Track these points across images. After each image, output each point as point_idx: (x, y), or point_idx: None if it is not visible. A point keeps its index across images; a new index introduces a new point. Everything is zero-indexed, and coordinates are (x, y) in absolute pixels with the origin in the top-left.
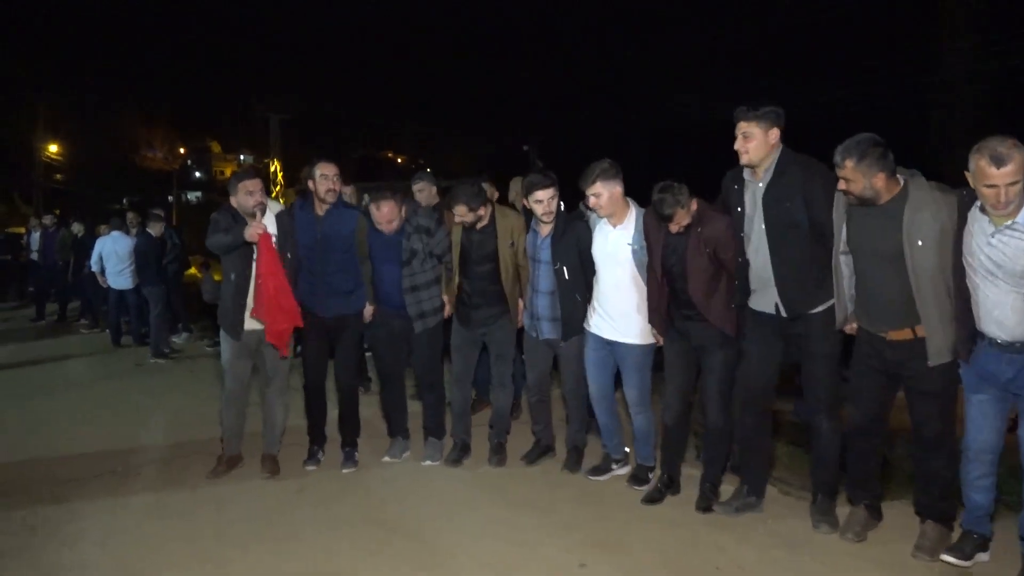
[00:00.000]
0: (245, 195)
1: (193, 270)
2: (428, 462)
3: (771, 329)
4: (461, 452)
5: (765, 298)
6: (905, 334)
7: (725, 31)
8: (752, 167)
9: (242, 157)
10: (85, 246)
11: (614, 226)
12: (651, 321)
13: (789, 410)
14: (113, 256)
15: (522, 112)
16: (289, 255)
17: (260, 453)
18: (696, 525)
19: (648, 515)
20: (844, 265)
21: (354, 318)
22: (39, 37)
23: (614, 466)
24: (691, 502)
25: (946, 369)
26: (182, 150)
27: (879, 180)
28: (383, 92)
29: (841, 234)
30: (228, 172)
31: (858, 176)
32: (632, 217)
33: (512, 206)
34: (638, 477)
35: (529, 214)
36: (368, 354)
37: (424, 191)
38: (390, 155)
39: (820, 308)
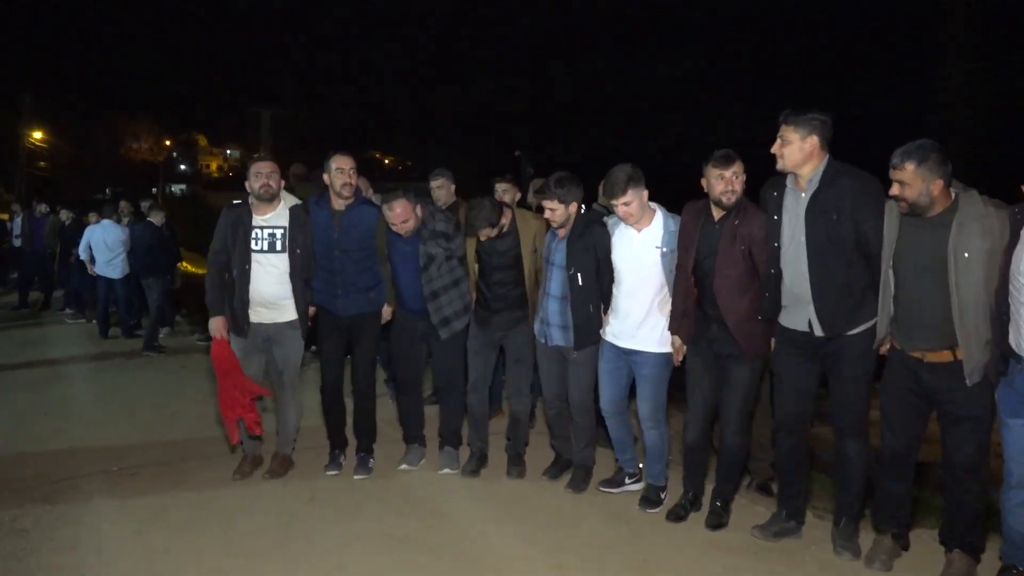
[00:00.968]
0: (254, 176)
1: (186, 265)
2: (446, 470)
3: (803, 348)
4: (479, 462)
5: (798, 315)
6: (944, 356)
7: (724, 46)
8: (793, 175)
9: (228, 152)
10: (72, 234)
11: (639, 230)
12: (672, 328)
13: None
14: (102, 245)
15: (514, 118)
16: (299, 251)
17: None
18: (738, 551)
19: (683, 538)
20: (891, 281)
21: (372, 318)
22: (25, 26)
23: (627, 480)
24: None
25: (983, 393)
26: (168, 142)
27: (936, 187)
28: (375, 94)
29: (891, 249)
30: (214, 166)
31: (917, 180)
32: (659, 220)
33: (529, 207)
34: (649, 499)
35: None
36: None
37: (443, 188)
38: (378, 155)
39: (858, 329)
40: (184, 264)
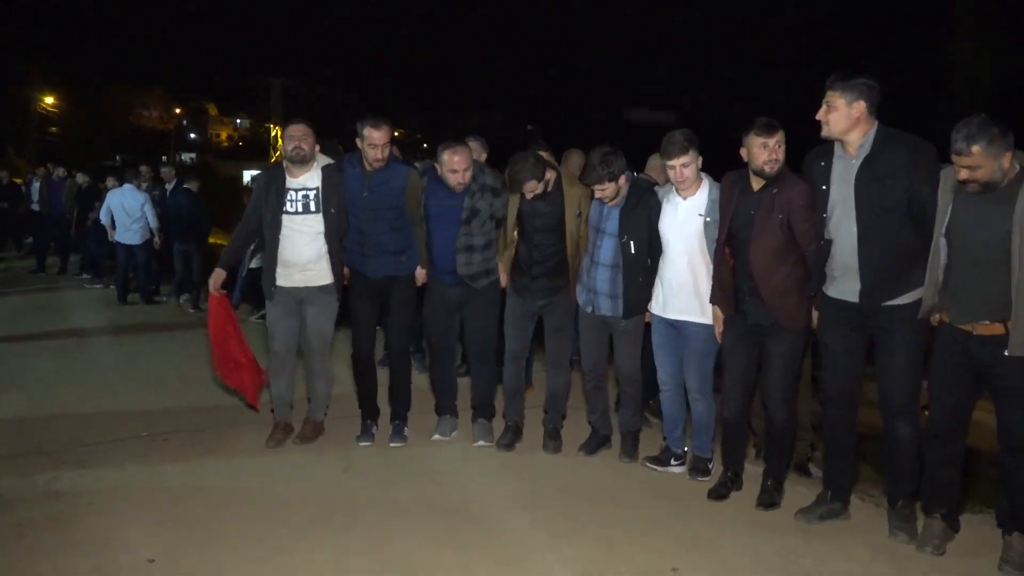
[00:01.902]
0: (287, 139)
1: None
2: (481, 442)
3: (851, 319)
4: (514, 436)
5: (847, 285)
6: (996, 329)
7: (737, 24)
8: (839, 141)
9: (239, 121)
10: (88, 198)
11: (684, 198)
12: (712, 299)
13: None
14: (121, 210)
15: (526, 90)
16: (333, 210)
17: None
18: (788, 531)
19: (730, 516)
20: (942, 250)
21: (404, 281)
22: None
23: (673, 461)
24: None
25: None
26: (178, 111)
27: (1007, 160)
28: (388, 65)
29: (945, 218)
30: (223, 135)
31: (988, 160)
32: (705, 188)
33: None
34: (699, 469)
35: None
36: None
37: (474, 153)
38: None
39: (906, 299)
40: None
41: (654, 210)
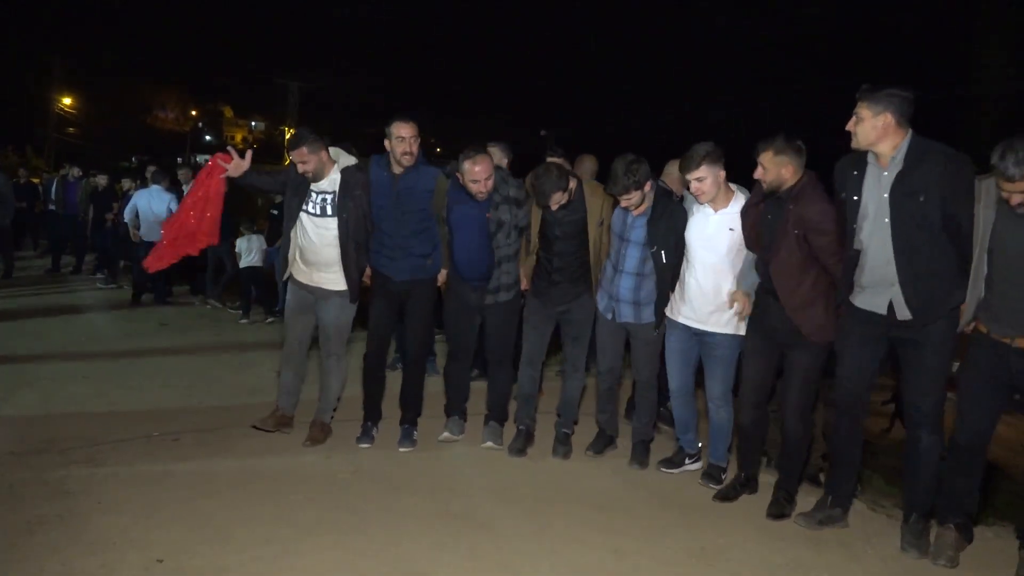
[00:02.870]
0: (298, 164)
1: None
2: (489, 443)
3: (875, 330)
4: (526, 440)
5: (878, 297)
6: None
7: (759, 29)
8: (872, 152)
9: (253, 124)
10: (106, 199)
11: (715, 210)
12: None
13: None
14: (148, 210)
15: (541, 96)
16: (346, 215)
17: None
18: (797, 541)
19: (739, 525)
20: (983, 264)
21: (427, 284)
22: None
23: (687, 460)
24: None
25: None
26: (194, 112)
27: None
28: (405, 70)
29: (987, 232)
30: (238, 137)
31: None
32: (737, 202)
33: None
34: (712, 475)
35: None
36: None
37: (495, 159)
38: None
39: (941, 317)
40: None
41: (680, 219)
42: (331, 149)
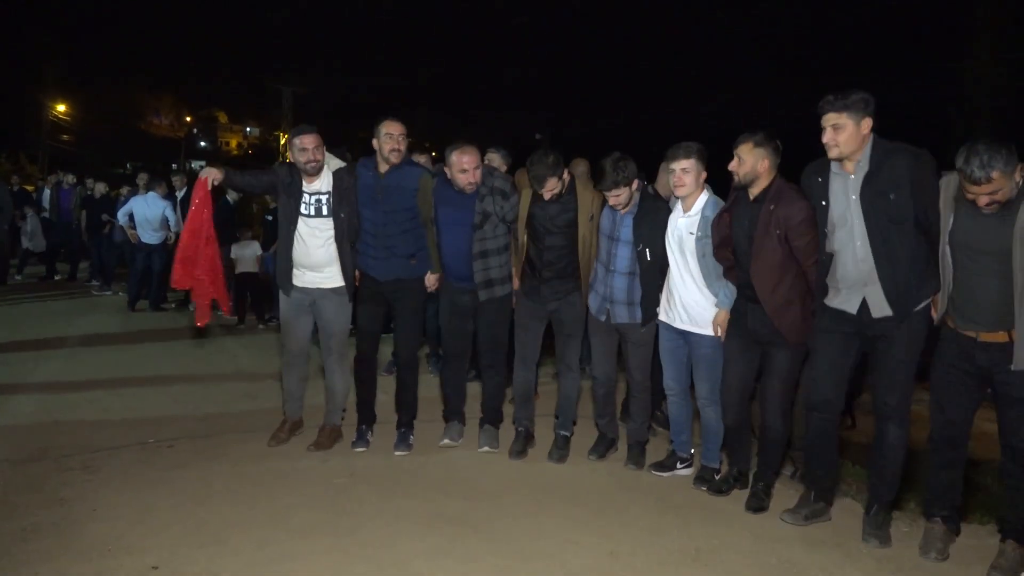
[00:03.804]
0: (299, 151)
1: None
2: (486, 448)
3: (848, 329)
4: (525, 442)
5: (851, 298)
6: (999, 336)
7: (752, 30)
8: (842, 160)
9: (248, 129)
10: (102, 207)
11: (684, 211)
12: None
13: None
14: (143, 218)
15: (535, 99)
16: (343, 215)
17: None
18: (792, 542)
19: (734, 526)
20: (947, 257)
21: (415, 284)
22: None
23: (679, 464)
24: (774, 513)
25: None
26: (188, 118)
27: (1019, 175)
28: (399, 74)
29: (947, 227)
30: (233, 143)
31: (1005, 182)
32: (700, 203)
33: None
34: (705, 479)
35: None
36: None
37: (495, 163)
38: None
39: (917, 307)
40: None
41: (664, 217)
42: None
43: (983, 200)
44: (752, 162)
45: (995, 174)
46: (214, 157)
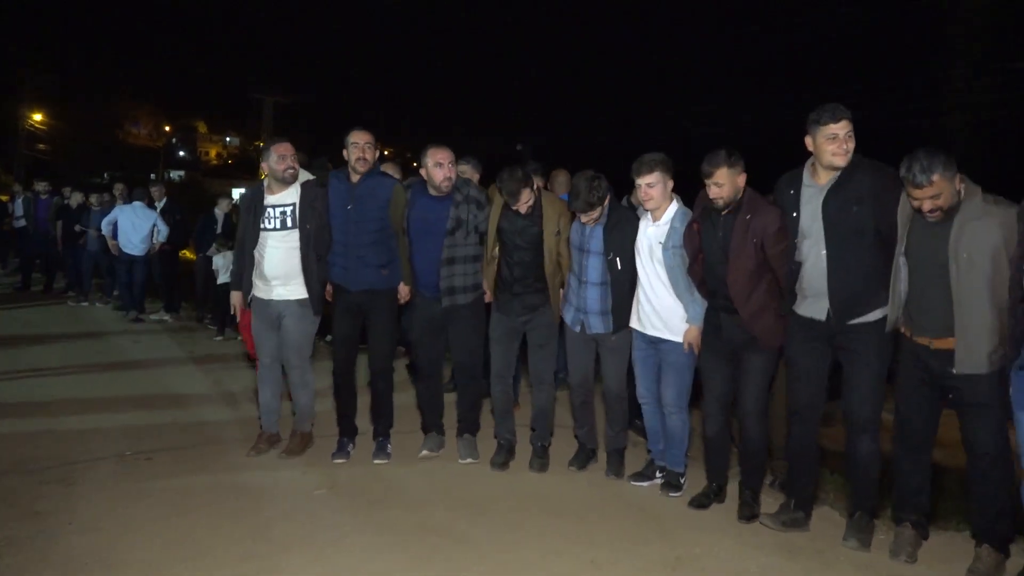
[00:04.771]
0: (278, 159)
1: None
2: (468, 460)
3: (819, 337)
4: (507, 455)
5: (816, 305)
6: (949, 343)
7: (737, 43)
8: (811, 168)
9: (228, 139)
10: (77, 216)
11: (653, 221)
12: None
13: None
14: (130, 228)
15: (516, 111)
16: (309, 226)
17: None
18: (772, 549)
19: (714, 534)
20: (902, 268)
21: (386, 295)
22: (26, 6)
23: (658, 474)
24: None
25: (993, 382)
26: (167, 128)
27: (959, 184)
28: (379, 85)
29: (903, 238)
30: (212, 153)
31: (946, 187)
32: (669, 214)
33: None
34: (671, 484)
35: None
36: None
37: (466, 175)
38: (378, 146)
39: (871, 318)
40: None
41: (633, 226)
42: None
43: (927, 205)
44: (731, 184)
45: (935, 177)
46: (193, 167)
